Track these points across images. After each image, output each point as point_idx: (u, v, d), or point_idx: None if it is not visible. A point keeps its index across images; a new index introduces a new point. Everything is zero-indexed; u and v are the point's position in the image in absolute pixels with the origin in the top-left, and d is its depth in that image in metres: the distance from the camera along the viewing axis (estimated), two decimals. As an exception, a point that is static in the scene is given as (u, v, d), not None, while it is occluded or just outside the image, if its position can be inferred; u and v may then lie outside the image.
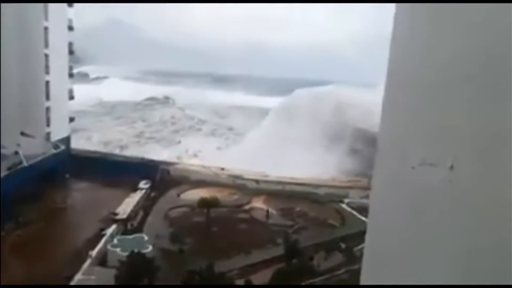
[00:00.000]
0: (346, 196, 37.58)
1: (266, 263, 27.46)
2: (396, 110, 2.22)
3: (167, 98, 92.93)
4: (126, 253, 24.75)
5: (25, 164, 33.71)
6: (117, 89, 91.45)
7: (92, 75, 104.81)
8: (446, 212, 1.91)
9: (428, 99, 1.98)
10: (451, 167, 1.85)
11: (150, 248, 26.30)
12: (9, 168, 31.93)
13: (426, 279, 2.04)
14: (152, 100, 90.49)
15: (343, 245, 29.80)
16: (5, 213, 28.63)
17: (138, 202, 35.05)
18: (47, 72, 39.96)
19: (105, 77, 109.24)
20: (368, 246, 2.66)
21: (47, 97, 40.27)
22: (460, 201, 1.84)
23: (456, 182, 1.84)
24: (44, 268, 24.54)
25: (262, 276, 25.81)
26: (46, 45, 39.43)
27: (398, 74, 2.20)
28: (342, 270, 27.06)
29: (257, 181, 40.02)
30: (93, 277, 22.78)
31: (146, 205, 35.12)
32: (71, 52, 44.70)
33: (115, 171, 38.14)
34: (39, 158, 35.97)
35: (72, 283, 22.95)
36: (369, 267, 2.66)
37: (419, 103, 2.04)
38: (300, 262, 27.02)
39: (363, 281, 2.72)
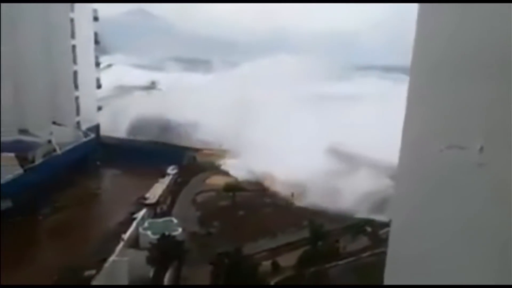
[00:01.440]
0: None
1: (292, 246, 27.94)
2: (422, 92, 2.11)
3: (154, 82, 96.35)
4: (156, 236, 25.65)
5: (58, 152, 35.08)
6: (125, 75, 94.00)
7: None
8: (475, 197, 1.80)
9: (456, 80, 1.90)
10: (481, 149, 1.74)
11: (180, 230, 27.10)
12: (43, 156, 33.29)
13: (453, 270, 1.93)
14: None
15: (368, 229, 29.96)
16: (42, 199, 30.09)
17: (166, 187, 36.00)
18: (75, 62, 41.08)
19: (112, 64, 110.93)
20: (393, 233, 2.52)
21: (76, 87, 41.50)
22: (490, 186, 1.74)
23: (486, 165, 1.74)
24: (80, 250, 25.78)
25: (289, 258, 26.33)
26: (73, 36, 40.43)
27: (424, 56, 2.11)
28: (368, 253, 27.29)
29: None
30: (126, 259, 23.65)
31: (174, 190, 36.05)
32: (96, 42, 45.68)
33: (144, 157, 39.26)
34: (71, 146, 37.36)
35: (107, 264, 23.90)
36: (394, 253, 2.52)
37: (446, 84, 1.96)
38: (325, 244, 27.38)
39: (388, 269, 2.53)
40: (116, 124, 49.96)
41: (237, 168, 39.09)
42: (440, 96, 2.00)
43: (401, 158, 2.32)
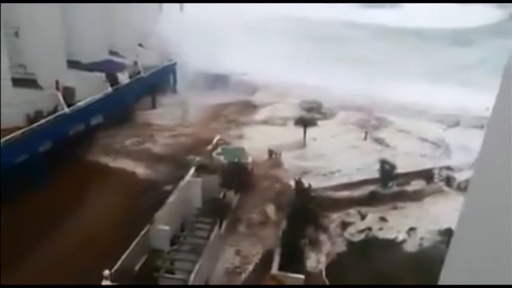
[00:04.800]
0: (457, 125, 35.76)
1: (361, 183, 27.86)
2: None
3: None
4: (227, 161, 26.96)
5: (142, 74, 37.13)
6: None
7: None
8: None
9: None
10: None
11: (250, 159, 28.08)
12: (130, 77, 35.45)
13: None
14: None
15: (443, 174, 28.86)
16: (127, 117, 32.86)
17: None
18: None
19: None
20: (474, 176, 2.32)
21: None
22: None
23: None
24: (159, 166, 28.27)
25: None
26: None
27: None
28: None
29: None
30: (199, 179, 25.31)
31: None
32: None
33: (220, 84, 40.52)
34: (154, 69, 39.30)
35: (183, 182, 25.85)
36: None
37: None
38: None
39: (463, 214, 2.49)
40: None
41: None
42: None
43: (490, 120, 2.01)
